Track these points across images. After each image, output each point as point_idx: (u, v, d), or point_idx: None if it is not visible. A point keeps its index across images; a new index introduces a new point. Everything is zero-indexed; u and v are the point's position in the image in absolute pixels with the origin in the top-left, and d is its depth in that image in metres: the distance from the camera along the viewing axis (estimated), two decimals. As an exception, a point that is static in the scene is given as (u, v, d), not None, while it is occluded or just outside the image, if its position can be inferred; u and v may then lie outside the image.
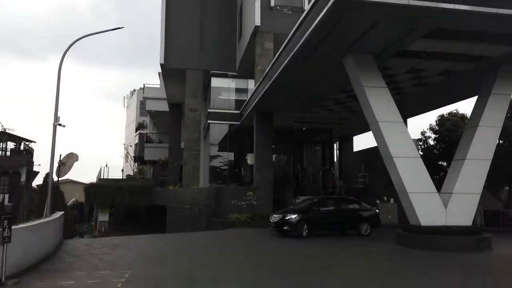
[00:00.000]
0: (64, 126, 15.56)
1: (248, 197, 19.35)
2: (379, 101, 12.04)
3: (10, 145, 34.94)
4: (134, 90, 52.06)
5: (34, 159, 35.96)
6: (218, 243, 12.86)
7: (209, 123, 25.02)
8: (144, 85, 43.11)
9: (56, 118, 15.14)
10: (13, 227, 7.49)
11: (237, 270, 8.06)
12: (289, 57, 12.86)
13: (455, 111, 21.80)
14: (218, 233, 16.07)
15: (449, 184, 12.56)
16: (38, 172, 35.15)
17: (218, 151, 27.26)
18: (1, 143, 34.04)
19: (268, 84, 16.33)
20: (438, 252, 10.74)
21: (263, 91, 17.44)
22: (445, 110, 23.44)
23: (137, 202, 31.78)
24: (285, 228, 13.85)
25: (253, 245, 12.48)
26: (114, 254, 10.25)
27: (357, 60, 12.05)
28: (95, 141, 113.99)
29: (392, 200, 20.84)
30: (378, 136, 12.16)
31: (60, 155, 18.76)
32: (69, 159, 18.71)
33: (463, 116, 21.21)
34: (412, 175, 11.90)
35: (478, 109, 12.84)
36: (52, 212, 14.88)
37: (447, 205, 12.04)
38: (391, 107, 12.07)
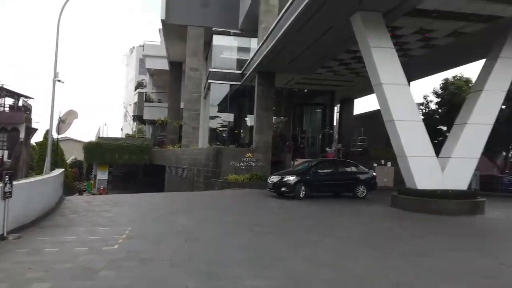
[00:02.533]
0: (63, 82, 15.37)
1: (246, 159, 19.42)
2: (385, 63, 11.75)
3: (9, 101, 34.66)
4: (134, 48, 50.83)
5: (33, 116, 35.75)
6: (216, 202, 13.05)
7: (210, 82, 24.65)
8: (144, 42, 42.06)
9: (56, 74, 14.89)
10: (14, 182, 7.52)
11: (234, 229, 8.21)
12: (296, 14, 12.37)
13: (460, 75, 21.41)
14: (216, 193, 16.27)
15: (448, 148, 12.54)
16: (37, 129, 35.08)
17: (218, 111, 27.11)
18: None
19: (272, 43, 15.88)
20: (431, 215, 10.91)
21: (267, 50, 16.99)
22: (449, 74, 22.98)
23: (136, 161, 32.11)
24: (283, 189, 14.00)
25: (251, 204, 12.65)
26: (114, 211, 10.40)
27: (365, 19, 11.63)
28: (94, 99, 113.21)
29: (389, 164, 20.98)
30: (381, 98, 11.99)
31: (60, 112, 18.64)
32: (68, 116, 18.58)
33: (467, 80, 20.87)
34: (412, 139, 11.85)
35: (485, 73, 12.56)
36: (52, 169, 14.99)
37: (444, 169, 12.09)
38: (397, 69, 11.79)
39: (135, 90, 43.55)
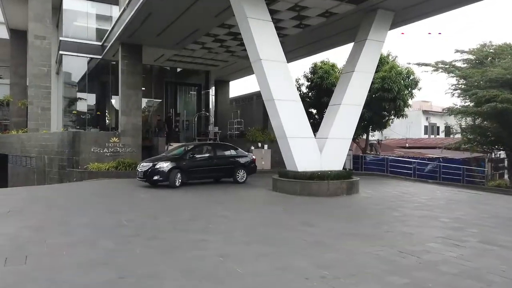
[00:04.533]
0: None
1: (112, 144, 16.84)
2: (264, 37, 10.90)
3: None
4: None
5: None
6: (70, 197, 10.56)
7: (62, 54, 20.70)
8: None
9: None
10: None
11: (87, 234, 6.26)
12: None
13: (326, 60, 22.40)
14: (73, 185, 13.52)
15: (324, 129, 12.55)
16: None
17: (77, 91, 23.21)
18: None
19: (134, 10, 13.64)
20: (313, 197, 10.69)
21: (129, 17, 14.65)
22: (318, 58, 23.98)
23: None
24: (155, 178, 12.27)
25: (116, 198, 10.59)
26: None
27: (241, -13, 10.50)
28: None
29: (266, 146, 20.93)
30: (261, 76, 11.16)
31: None
32: None
33: (333, 65, 21.94)
34: (292, 119, 11.41)
35: (355, 55, 12.85)
36: None
37: (322, 150, 12.05)
38: (276, 45, 11.08)
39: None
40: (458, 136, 22.60)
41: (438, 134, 49.39)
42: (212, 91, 28.74)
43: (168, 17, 14.25)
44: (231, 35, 16.24)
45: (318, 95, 21.66)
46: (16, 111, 26.13)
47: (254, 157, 15.27)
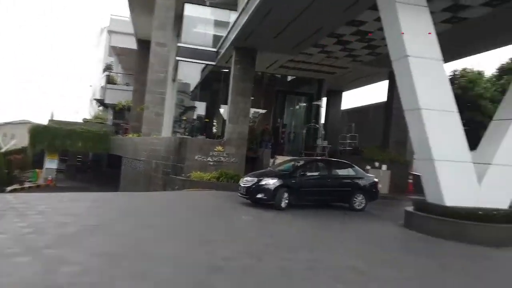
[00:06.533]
0: None
1: (216, 153, 15.73)
2: (416, 27, 8.29)
3: None
4: (105, 28, 45.86)
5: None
6: (164, 212, 9.31)
7: (178, 60, 20.72)
8: (110, 17, 37.39)
9: None
10: None
11: (170, 269, 4.55)
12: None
13: (470, 67, 18.39)
14: (171, 195, 12.55)
15: (487, 151, 9.27)
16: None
17: (189, 98, 23.31)
18: None
19: (253, 8, 12.25)
20: (470, 245, 7.62)
21: (246, 17, 13.39)
22: (457, 65, 20.00)
23: (92, 150, 28.14)
24: (259, 196, 10.42)
25: (213, 218, 8.99)
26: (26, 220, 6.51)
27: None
28: (65, 84, 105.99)
29: (384, 167, 17.83)
30: (405, 77, 8.54)
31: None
32: None
33: (480, 73, 17.83)
34: (444, 136, 8.50)
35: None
36: None
37: (482, 179, 8.83)
38: (431, 39, 8.35)
39: (103, 72, 38.96)
40: None
41: None
42: (323, 101, 26.51)
43: (288, 15, 12.53)
44: (359, 34, 13.83)
45: (458, 110, 17.72)
46: (135, 115, 27.48)
47: (376, 179, 12.52)
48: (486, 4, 10.27)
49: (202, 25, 21.19)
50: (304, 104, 24.79)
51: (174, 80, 24.45)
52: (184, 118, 22.37)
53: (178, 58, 20.59)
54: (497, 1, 10.01)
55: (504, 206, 8.85)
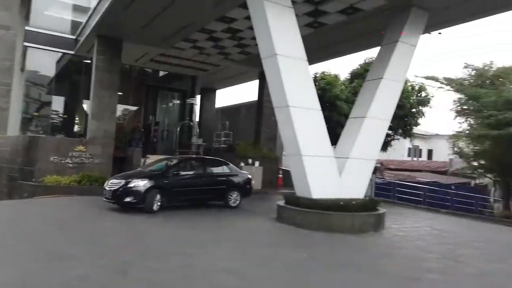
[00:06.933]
0: None
1: (77, 153, 13.92)
2: (283, 26, 8.52)
3: None
4: None
5: None
6: (13, 222, 7.69)
7: (27, 46, 17.73)
8: None
9: None
10: None
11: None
12: None
13: (328, 71, 20.35)
14: (18, 204, 10.57)
15: (345, 146, 10.18)
16: None
17: (47, 93, 20.18)
18: None
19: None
20: (333, 234, 8.22)
21: (106, 6, 12.13)
22: (317, 68, 21.92)
23: None
24: (128, 199, 9.50)
25: (71, 226, 7.78)
26: None
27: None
28: None
29: (257, 163, 18.43)
30: (274, 75, 8.74)
31: None
32: None
33: (336, 76, 19.86)
34: (310, 132, 9.00)
35: (383, 59, 10.63)
36: None
37: (341, 172, 9.67)
38: (296, 38, 8.70)
39: None
40: (444, 159, 21.02)
41: (420, 156, 48.42)
42: (197, 99, 26.16)
43: (155, 5, 11.74)
44: (230, 32, 13.82)
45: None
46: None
47: (250, 176, 12.72)
48: (342, 12, 11.30)
49: (57, 8, 18.57)
50: (178, 101, 24.02)
51: (22, 70, 20.95)
52: (37, 114, 19.33)
53: (26, 43, 17.62)
54: (350, 10, 11.11)
55: (361, 195, 9.88)
